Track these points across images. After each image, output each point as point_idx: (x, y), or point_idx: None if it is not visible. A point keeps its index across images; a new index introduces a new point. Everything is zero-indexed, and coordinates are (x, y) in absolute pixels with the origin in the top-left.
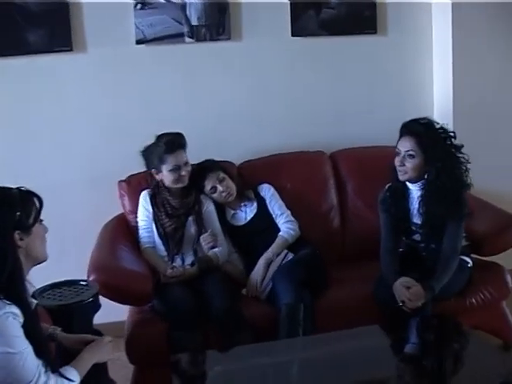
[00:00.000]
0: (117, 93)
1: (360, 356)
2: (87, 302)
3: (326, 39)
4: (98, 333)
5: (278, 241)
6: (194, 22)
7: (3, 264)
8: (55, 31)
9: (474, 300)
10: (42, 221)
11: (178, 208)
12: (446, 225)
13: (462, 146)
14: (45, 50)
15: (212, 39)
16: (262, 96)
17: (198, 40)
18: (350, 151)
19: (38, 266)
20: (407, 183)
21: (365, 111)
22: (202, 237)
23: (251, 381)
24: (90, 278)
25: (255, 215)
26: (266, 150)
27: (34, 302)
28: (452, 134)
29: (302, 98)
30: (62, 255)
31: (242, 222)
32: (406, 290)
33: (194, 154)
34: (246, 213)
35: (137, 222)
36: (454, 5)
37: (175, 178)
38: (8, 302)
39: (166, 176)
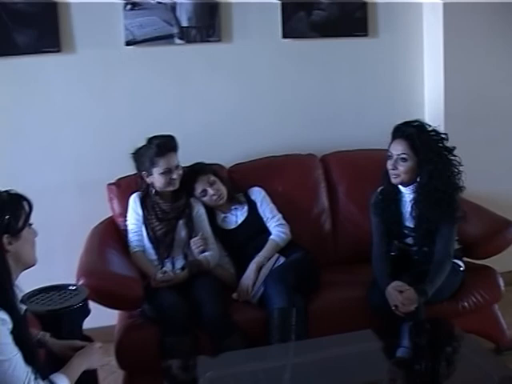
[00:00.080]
0: (106, 95)
1: (353, 361)
2: (76, 307)
3: (316, 41)
4: (87, 338)
5: (269, 244)
6: (184, 24)
7: None
8: (43, 32)
9: (466, 303)
10: (31, 225)
11: (169, 211)
12: (438, 228)
13: (454, 148)
14: (32, 50)
15: (202, 41)
16: (253, 98)
17: (188, 41)
18: (341, 154)
19: (27, 270)
20: (399, 186)
21: (356, 113)
22: (192, 240)
23: None
24: (79, 283)
25: (246, 219)
26: (256, 152)
27: (23, 307)
28: (444, 136)
29: (293, 100)
30: (51, 259)
31: (232, 226)
32: (399, 294)
33: (184, 156)
34: (237, 216)
35: (126, 226)
36: (445, 5)
37: (166, 182)
38: None
39: (156, 179)
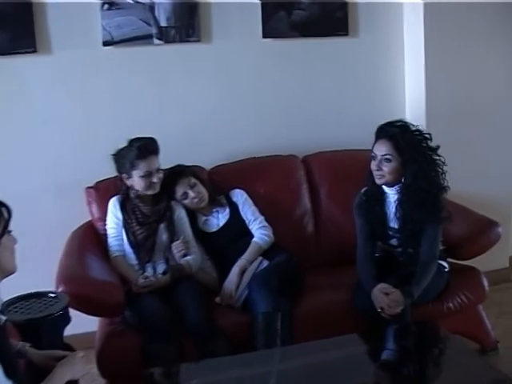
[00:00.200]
0: (83, 96)
1: (340, 366)
2: (57, 315)
3: (297, 41)
4: (68, 347)
5: (251, 247)
6: (163, 23)
7: None
8: (18, 32)
9: (451, 304)
10: (10, 232)
11: (149, 215)
12: (423, 229)
13: (438, 147)
14: (7, 51)
15: (181, 41)
16: (233, 99)
17: (167, 42)
18: (322, 155)
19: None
20: (383, 187)
21: (337, 113)
22: (173, 244)
23: None
24: (59, 290)
25: (228, 221)
26: (237, 153)
27: (3, 318)
28: (428, 136)
29: (274, 100)
30: (29, 265)
31: (214, 229)
32: (385, 297)
33: (164, 158)
34: (219, 219)
35: (106, 230)
36: (425, 5)
37: (146, 185)
38: None
39: (136, 182)
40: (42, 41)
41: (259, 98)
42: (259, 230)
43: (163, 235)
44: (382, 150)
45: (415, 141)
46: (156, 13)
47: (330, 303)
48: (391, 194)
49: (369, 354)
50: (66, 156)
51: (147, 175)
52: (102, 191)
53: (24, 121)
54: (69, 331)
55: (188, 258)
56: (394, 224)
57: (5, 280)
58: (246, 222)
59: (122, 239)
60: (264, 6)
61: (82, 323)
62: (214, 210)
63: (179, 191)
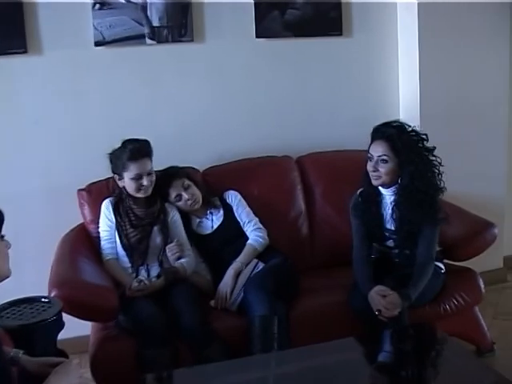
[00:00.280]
0: (75, 97)
1: (338, 369)
2: (50, 320)
3: (290, 40)
4: (62, 353)
5: (246, 250)
6: (156, 23)
7: None
8: (8, 32)
9: (447, 306)
10: (3, 236)
11: (143, 217)
12: (420, 230)
13: (434, 148)
14: None
15: (174, 41)
16: (226, 99)
17: (160, 42)
18: (316, 155)
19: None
20: (380, 188)
21: (330, 113)
22: (167, 247)
23: None
24: (52, 294)
25: (222, 223)
26: (230, 154)
27: None
28: (424, 137)
29: (267, 100)
30: (20, 269)
31: (208, 231)
32: (382, 299)
33: (157, 159)
34: (213, 221)
35: (98, 233)
36: (419, 4)
37: (136, 187)
38: None
39: (127, 184)
40: (32, 41)
41: (252, 99)
42: (254, 232)
43: (157, 238)
44: (378, 150)
45: (412, 141)
46: (148, 12)
47: (325, 305)
48: (387, 195)
49: (367, 357)
50: (58, 157)
51: (137, 178)
52: (94, 193)
53: (14, 122)
54: (61, 335)
55: (182, 260)
56: (390, 225)
57: None
58: (241, 223)
59: (115, 242)
60: (257, 5)
61: (74, 327)
62: (208, 211)
63: (173, 193)
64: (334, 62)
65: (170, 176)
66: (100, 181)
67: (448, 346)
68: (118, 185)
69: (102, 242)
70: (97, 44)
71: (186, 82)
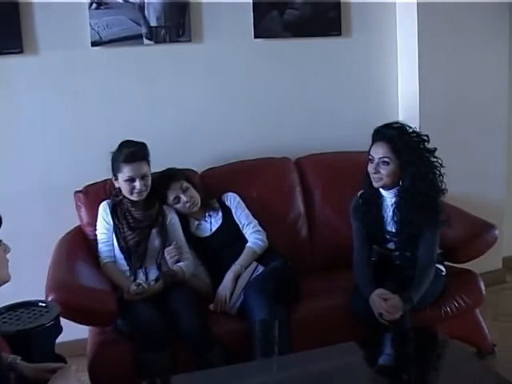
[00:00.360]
0: (71, 98)
1: (340, 374)
2: (48, 325)
3: (289, 41)
4: (60, 358)
5: (245, 252)
6: (153, 23)
7: None
8: (4, 32)
9: (448, 309)
10: (0, 241)
11: (141, 220)
12: (421, 232)
13: (435, 149)
14: None
15: (172, 41)
16: (225, 100)
17: (157, 42)
18: (315, 157)
19: None
20: (381, 190)
21: (329, 114)
22: (166, 250)
23: None
24: (49, 299)
25: (221, 226)
26: (228, 155)
27: None
28: (425, 138)
29: (266, 101)
30: (15, 271)
31: (207, 233)
32: (384, 302)
33: (155, 160)
34: (211, 223)
35: (95, 235)
36: (419, 4)
37: (130, 190)
38: None
39: (121, 186)
40: (28, 41)
41: (251, 99)
42: (253, 235)
43: (155, 240)
44: (379, 152)
45: (413, 143)
46: (146, 12)
47: (326, 309)
48: (388, 197)
49: (368, 361)
50: (55, 159)
51: (130, 180)
52: (91, 195)
53: (10, 123)
54: (58, 339)
55: (181, 263)
56: (391, 227)
57: None
58: (240, 226)
59: (113, 245)
60: (256, 5)
61: (71, 330)
62: (207, 214)
63: (171, 195)
64: (333, 63)
65: (168, 178)
66: (97, 182)
67: (450, 348)
68: (115, 186)
69: (100, 245)
70: (94, 44)
71: (184, 83)
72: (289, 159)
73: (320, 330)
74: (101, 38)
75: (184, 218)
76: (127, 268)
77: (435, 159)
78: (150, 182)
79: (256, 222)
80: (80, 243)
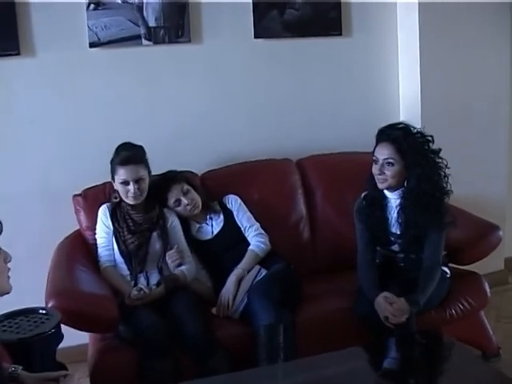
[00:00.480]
0: (70, 100)
1: (346, 380)
2: (49, 333)
3: (290, 41)
4: (61, 366)
5: (248, 256)
6: (152, 24)
7: None
8: (0, 33)
9: (453, 311)
10: (0, 249)
11: (141, 223)
12: (426, 234)
13: (440, 150)
14: None
15: (171, 42)
16: (225, 101)
17: (156, 43)
18: (317, 158)
19: None
20: (385, 191)
21: (331, 114)
22: (168, 254)
23: None
24: (49, 305)
25: (222, 228)
26: (229, 157)
27: None
28: (430, 139)
29: (266, 102)
30: (13, 276)
31: (208, 236)
32: (389, 305)
33: (155, 162)
34: (213, 226)
35: (95, 240)
36: (420, 4)
37: (124, 193)
38: None
39: (118, 188)
40: (25, 42)
41: (251, 100)
42: (255, 238)
43: (156, 244)
44: (384, 153)
45: (417, 143)
46: (144, 13)
47: (330, 312)
48: (393, 199)
49: (374, 366)
50: (53, 162)
51: (124, 183)
52: (90, 199)
53: (8, 125)
54: None
55: (183, 267)
56: (395, 229)
57: None
58: (242, 228)
59: (113, 249)
60: (256, 5)
61: (70, 336)
62: (208, 217)
63: (172, 198)
64: (334, 63)
65: (168, 180)
66: (96, 186)
67: (456, 351)
68: (114, 189)
69: (100, 249)
70: (92, 45)
71: (183, 84)
72: (290, 160)
73: (324, 334)
74: (99, 39)
75: (185, 221)
76: (128, 272)
77: (440, 160)
78: (145, 185)
79: (258, 224)
80: (79, 247)
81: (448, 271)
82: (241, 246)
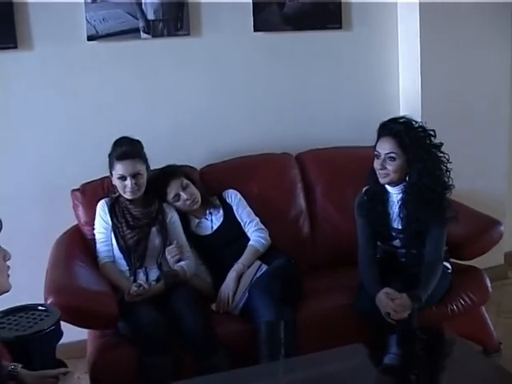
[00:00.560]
0: (67, 93)
1: (348, 377)
2: (48, 330)
3: (289, 34)
4: (61, 363)
5: (248, 251)
6: (151, 17)
7: None
8: None
9: (455, 306)
10: None
11: (140, 218)
12: (428, 229)
13: (442, 144)
14: None
15: (170, 35)
16: (224, 94)
17: (155, 36)
18: (316, 152)
19: None
20: (386, 186)
21: (330, 108)
22: (167, 249)
23: None
24: (48, 302)
25: (222, 223)
26: (228, 152)
27: None
28: (432, 133)
29: (266, 96)
30: (12, 273)
31: (208, 232)
32: (391, 301)
33: (153, 157)
34: (212, 221)
35: (93, 235)
36: (421, 4)
37: (121, 188)
38: None
39: (115, 183)
40: (22, 35)
41: (251, 94)
42: (255, 233)
43: (155, 239)
44: (385, 147)
45: (419, 138)
46: (143, 5)
47: (330, 308)
48: (394, 194)
49: (376, 362)
50: (51, 156)
51: (121, 178)
52: (88, 194)
53: (5, 119)
54: None
55: (182, 263)
56: (397, 224)
57: None
58: (242, 224)
59: (112, 244)
60: None
61: (68, 332)
62: (208, 211)
63: (171, 193)
64: (334, 56)
65: (167, 175)
66: (94, 180)
67: (458, 347)
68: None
69: (98, 245)
70: (90, 38)
71: (182, 78)
72: (289, 155)
73: (325, 330)
74: (97, 32)
75: (184, 216)
76: (127, 268)
77: (442, 154)
78: (143, 180)
79: (258, 219)
80: (78, 243)
81: (449, 266)
82: (241, 241)
